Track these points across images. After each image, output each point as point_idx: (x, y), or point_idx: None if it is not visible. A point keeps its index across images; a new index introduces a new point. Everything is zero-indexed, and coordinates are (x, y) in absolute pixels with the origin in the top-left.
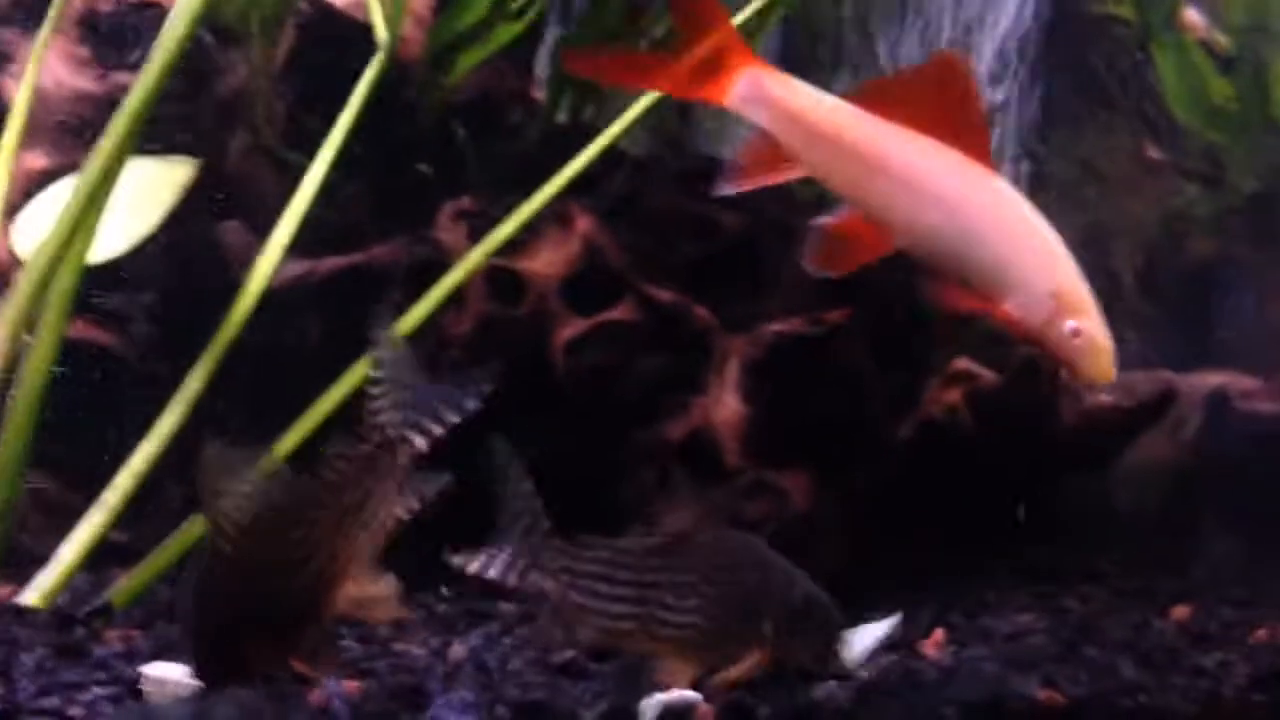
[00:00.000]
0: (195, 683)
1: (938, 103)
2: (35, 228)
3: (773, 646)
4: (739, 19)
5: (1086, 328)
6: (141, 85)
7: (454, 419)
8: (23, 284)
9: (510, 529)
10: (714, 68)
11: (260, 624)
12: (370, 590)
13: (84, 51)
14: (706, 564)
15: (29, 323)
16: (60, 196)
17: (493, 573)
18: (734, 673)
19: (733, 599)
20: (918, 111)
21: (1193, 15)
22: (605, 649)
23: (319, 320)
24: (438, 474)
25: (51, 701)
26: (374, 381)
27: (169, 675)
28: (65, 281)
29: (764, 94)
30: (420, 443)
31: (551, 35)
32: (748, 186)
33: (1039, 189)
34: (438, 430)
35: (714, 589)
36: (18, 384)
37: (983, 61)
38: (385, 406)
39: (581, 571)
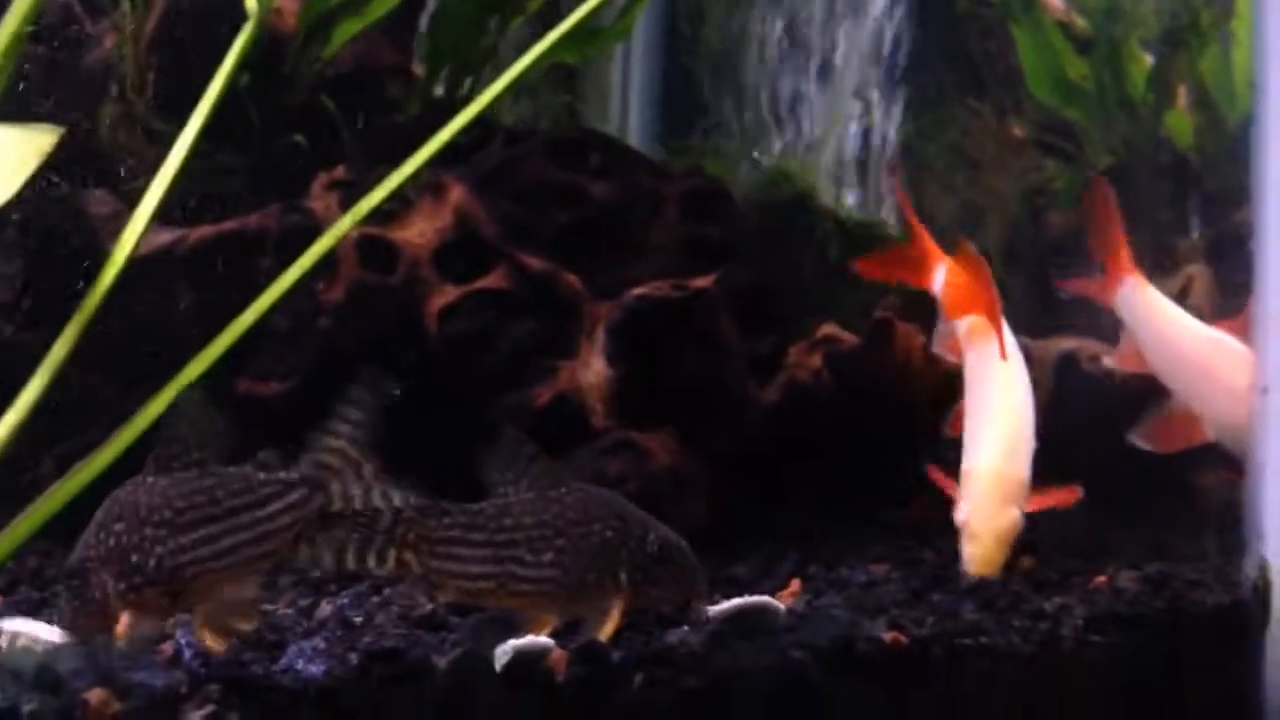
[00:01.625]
0: (51, 638)
1: (964, 284)
2: None
3: (630, 595)
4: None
5: (970, 517)
6: None
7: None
8: None
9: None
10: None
11: (119, 572)
12: (235, 596)
13: None
14: (560, 519)
15: None
16: None
17: (351, 564)
18: (608, 628)
19: (587, 551)
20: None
21: None
22: (468, 606)
23: (190, 289)
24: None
25: None
26: (337, 430)
27: (23, 629)
28: None
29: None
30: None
31: (430, 8)
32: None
33: (916, 175)
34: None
35: (568, 542)
36: None
37: (856, 47)
38: (333, 458)
39: (439, 539)
